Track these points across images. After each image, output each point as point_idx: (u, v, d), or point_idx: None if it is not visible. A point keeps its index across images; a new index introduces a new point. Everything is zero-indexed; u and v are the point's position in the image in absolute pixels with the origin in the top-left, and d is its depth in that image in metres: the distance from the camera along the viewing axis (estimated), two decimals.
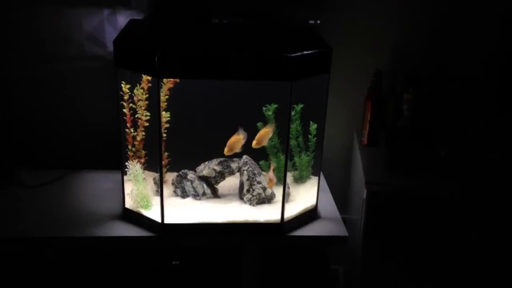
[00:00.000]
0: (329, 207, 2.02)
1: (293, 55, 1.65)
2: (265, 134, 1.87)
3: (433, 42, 2.15)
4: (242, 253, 1.95)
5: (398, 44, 2.17)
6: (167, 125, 1.92)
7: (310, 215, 1.94)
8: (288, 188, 1.96)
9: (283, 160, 2.00)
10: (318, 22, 2.14)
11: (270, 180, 1.90)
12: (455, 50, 2.15)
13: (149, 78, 1.84)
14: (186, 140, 1.99)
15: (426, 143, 1.91)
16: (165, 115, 1.88)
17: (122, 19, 2.16)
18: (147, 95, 1.87)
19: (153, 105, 1.86)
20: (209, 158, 2.01)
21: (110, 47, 2.17)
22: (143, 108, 1.89)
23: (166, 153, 1.93)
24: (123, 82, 1.83)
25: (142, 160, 1.95)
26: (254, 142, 1.86)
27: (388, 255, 1.88)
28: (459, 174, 1.85)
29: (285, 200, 1.82)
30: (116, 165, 2.21)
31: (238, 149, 1.87)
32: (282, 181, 1.98)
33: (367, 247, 1.88)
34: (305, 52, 1.68)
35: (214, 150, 2.02)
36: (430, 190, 1.81)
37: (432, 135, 1.94)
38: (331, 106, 1.92)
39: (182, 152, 2.00)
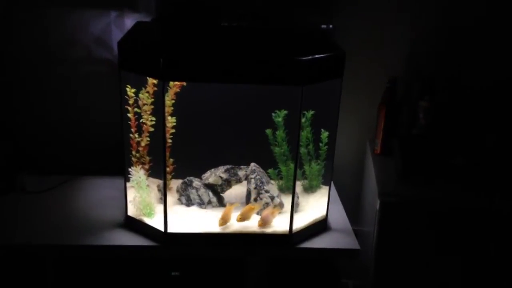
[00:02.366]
0: (339, 218, 1.94)
1: (304, 58, 1.58)
2: (250, 210, 1.76)
3: (448, 49, 2.08)
4: (247, 264, 1.87)
5: (413, 51, 2.09)
6: (173, 130, 1.85)
7: (320, 226, 1.86)
8: (297, 197, 1.88)
9: (293, 168, 1.93)
10: (330, 26, 2.07)
11: (222, 218, 1.76)
12: (471, 57, 2.07)
13: (155, 81, 1.77)
14: (192, 146, 1.93)
15: (442, 152, 1.83)
16: (170, 120, 1.82)
17: (130, 22, 2.10)
18: (152, 99, 1.81)
19: (158, 110, 1.79)
20: (215, 165, 1.94)
21: (117, 50, 2.11)
22: (148, 112, 1.82)
23: (171, 160, 1.86)
24: (128, 85, 1.77)
25: (146, 167, 1.88)
26: (238, 217, 1.75)
27: (401, 269, 1.79)
28: (477, 184, 1.76)
29: (294, 210, 1.75)
30: (120, 171, 2.17)
31: (249, 218, 1.77)
32: (291, 190, 1.93)
33: (380, 260, 1.79)
34: (316, 56, 1.61)
35: (220, 156, 1.96)
36: (446, 201, 1.73)
37: (449, 144, 1.85)
38: (342, 113, 1.84)
39: (187, 159, 1.94)
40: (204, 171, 1.95)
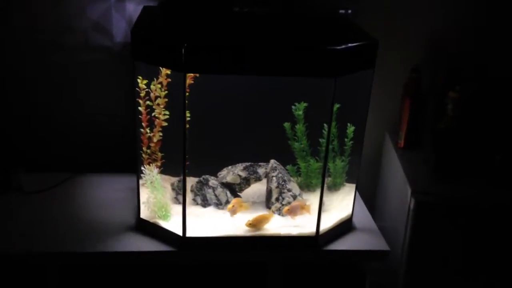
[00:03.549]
0: (363, 217, 1.84)
1: (338, 47, 1.45)
2: (263, 220, 1.64)
3: (475, 37, 1.97)
4: (268, 268, 1.76)
5: (436, 38, 1.98)
6: (187, 126, 1.70)
7: (345, 226, 1.75)
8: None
9: (313, 164, 1.82)
10: (349, 11, 1.94)
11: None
12: (497, 46, 1.98)
13: (168, 72, 1.62)
14: (202, 142, 1.78)
15: (478, 147, 1.73)
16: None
17: (132, 7, 1.94)
18: (166, 92, 1.66)
19: (173, 103, 1.65)
20: (228, 162, 1.81)
21: (118, 37, 1.96)
22: (161, 106, 1.67)
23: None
24: (140, 77, 1.62)
25: (158, 164, 1.73)
26: (248, 222, 1.63)
27: (434, 270, 1.70)
28: None
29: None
30: (124, 168, 2.02)
31: (261, 229, 1.64)
32: (310, 187, 1.81)
33: (413, 261, 1.69)
34: (350, 45, 1.48)
35: (233, 153, 1.82)
36: (485, 199, 1.63)
37: (484, 138, 1.75)
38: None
39: (197, 155, 1.79)
40: (215, 168, 1.83)
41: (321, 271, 1.85)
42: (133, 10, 1.95)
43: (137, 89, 1.64)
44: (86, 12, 1.92)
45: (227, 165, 1.83)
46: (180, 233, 1.60)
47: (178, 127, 1.57)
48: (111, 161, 2.04)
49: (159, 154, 1.74)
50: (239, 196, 1.78)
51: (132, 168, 2.00)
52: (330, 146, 1.78)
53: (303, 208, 1.67)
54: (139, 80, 1.62)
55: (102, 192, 1.90)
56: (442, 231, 1.65)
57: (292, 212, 1.66)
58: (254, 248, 1.64)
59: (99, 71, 1.99)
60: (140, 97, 1.65)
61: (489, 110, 1.80)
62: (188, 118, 1.69)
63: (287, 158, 1.84)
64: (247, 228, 1.63)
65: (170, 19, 1.75)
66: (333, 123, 1.75)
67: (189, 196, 1.77)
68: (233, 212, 1.66)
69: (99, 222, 1.73)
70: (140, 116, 1.68)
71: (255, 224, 1.63)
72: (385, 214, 1.92)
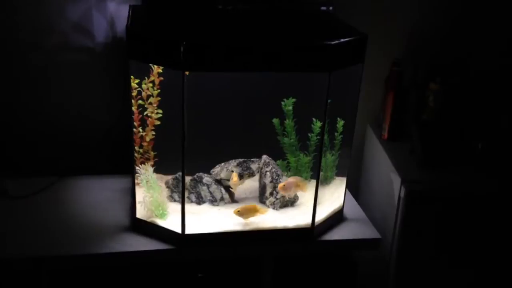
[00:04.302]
0: (352, 208, 1.89)
1: (332, 43, 1.49)
2: (251, 209, 1.65)
3: (453, 30, 2.05)
4: (263, 261, 1.78)
5: (415, 32, 2.05)
6: (158, 122, 1.70)
7: (337, 217, 1.80)
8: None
9: (303, 159, 1.85)
10: (331, 8, 1.98)
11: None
12: (477, 38, 2.06)
13: (160, 70, 1.63)
14: (195, 140, 1.78)
15: (460, 136, 1.80)
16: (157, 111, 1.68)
17: (113, 6, 1.93)
18: (158, 91, 1.66)
19: (164, 101, 1.65)
20: (220, 158, 1.82)
21: (99, 37, 1.94)
22: (154, 105, 1.67)
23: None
24: (132, 76, 1.62)
25: (151, 163, 1.73)
26: (236, 210, 1.64)
27: (426, 257, 1.76)
28: (500, 168, 1.75)
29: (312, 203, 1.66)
30: (111, 169, 2.01)
31: (247, 219, 1.65)
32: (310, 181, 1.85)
33: (404, 249, 1.75)
34: (342, 40, 1.53)
35: (224, 149, 1.84)
36: (473, 187, 1.71)
37: (466, 128, 1.83)
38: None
39: (191, 153, 1.79)
40: (206, 165, 1.83)
41: (312, 262, 1.89)
42: (115, 9, 1.93)
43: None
44: (66, 12, 1.89)
45: (216, 162, 1.84)
46: (179, 230, 1.61)
47: (169, 125, 1.58)
48: (97, 163, 2.03)
49: (152, 153, 1.74)
50: (232, 193, 1.80)
51: (119, 169, 2.01)
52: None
53: (297, 185, 1.70)
54: (131, 79, 1.61)
55: (91, 194, 1.88)
56: (432, 218, 1.72)
57: (287, 189, 1.69)
58: (253, 242, 1.66)
59: (80, 72, 1.96)
60: (132, 97, 1.64)
61: (469, 101, 1.87)
62: (160, 115, 1.69)
63: (274, 154, 1.86)
64: (243, 222, 1.65)
65: (160, 18, 1.75)
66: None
67: (163, 191, 1.75)
68: (244, 215, 1.65)
69: (91, 224, 1.72)
70: (132, 116, 1.67)
71: (243, 212, 1.64)
72: (371, 205, 1.98)
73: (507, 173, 1.75)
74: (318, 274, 1.89)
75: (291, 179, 1.71)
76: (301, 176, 1.87)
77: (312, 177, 1.90)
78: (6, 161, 1.95)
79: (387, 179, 1.82)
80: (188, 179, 1.79)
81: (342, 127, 1.77)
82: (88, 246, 1.61)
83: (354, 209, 1.88)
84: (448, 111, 1.84)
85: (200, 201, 1.76)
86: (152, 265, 1.77)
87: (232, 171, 1.75)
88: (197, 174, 1.78)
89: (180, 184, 1.76)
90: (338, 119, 1.77)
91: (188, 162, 1.76)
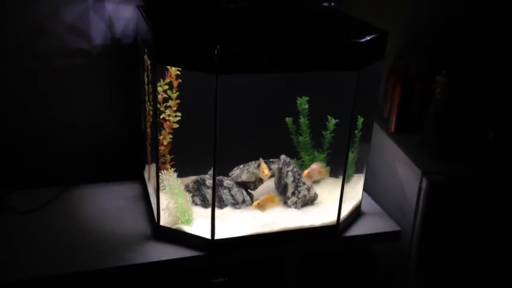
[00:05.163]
0: (367, 202, 1.90)
1: (360, 41, 1.50)
2: (269, 199, 1.67)
3: (450, 21, 2.10)
4: (287, 262, 1.78)
5: (414, 26, 2.08)
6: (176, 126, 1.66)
7: (356, 213, 1.81)
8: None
9: (318, 156, 1.86)
10: (333, 4, 1.98)
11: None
12: (472, 30, 2.12)
13: (178, 72, 1.57)
14: (201, 141, 1.74)
15: (470, 127, 1.85)
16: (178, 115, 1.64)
17: (111, 6, 1.86)
18: (177, 93, 1.61)
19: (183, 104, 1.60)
20: (231, 160, 1.79)
21: (97, 40, 1.86)
22: (174, 108, 1.62)
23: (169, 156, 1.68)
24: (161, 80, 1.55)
25: (168, 166, 1.68)
26: (256, 203, 1.66)
27: (447, 247, 1.81)
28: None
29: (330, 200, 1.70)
30: (117, 176, 1.94)
31: (266, 209, 1.67)
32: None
33: (426, 240, 1.78)
34: (368, 37, 1.53)
35: (235, 151, 1.80)
36: (491, 175, 1.76)
37: (476, 119, 1.87)
38: None
39: (197, 155, 1.74)
40: (205, 167, 1.78)
41: (331, 259, 1.90)
42: (113, 10, 1.86)
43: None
44: (61, 14, 1.80)
45: (225, 163, 1.79)
46: (208, 236, 1.57)
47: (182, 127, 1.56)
48: (101, 171, 1.95)
49: (168, 157, 1.69)
50: (251, 195, 1.77)
51: (124, 175, 1.95)
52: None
53: (320, 172, 1.74)
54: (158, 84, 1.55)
55: (102, 203, 1.80)
56: (453, 209, 1.76)
57: (312, 175, 1.73)
58: (281, 242, 1.64)
59: (77, 76, 1.88)
60: (159, 101, 1.58)
61: (475, 91, 1.92)
62: (179, 118, 1.64)
63: (285, 153, 1.84)
64: (269, 223, 1.64)
65: (176, 19, 1.69)
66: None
67: (187, 196, 1.71)
68: (263, 207, 1.65)
69: (109, 235, 1.65)
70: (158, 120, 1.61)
71: (263, 204, 1.65)
72: (381, 198, 1.98)
73: None
74: (338, 270, 1.90)
75: (314, 166, 1.75)
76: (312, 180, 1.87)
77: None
78: (6, 175, 1.84)
79: (402, 171, 1.85)
80: (189, 181, 1.75)
81: (361, 124, 1.78)
82: (112, 259, 1.55)
83: (369, 203, 1.90)
84: (455, 103, 1.88)
85: (206, 204, 1.72)
86: (170, 274, 1.72)
87: (258, 166, 1.75)
88: (200, 176, 1.75)
89: (202, 188, 1.73)
90: (358, 116, 1.77)
91: (194, 163, 1.75)
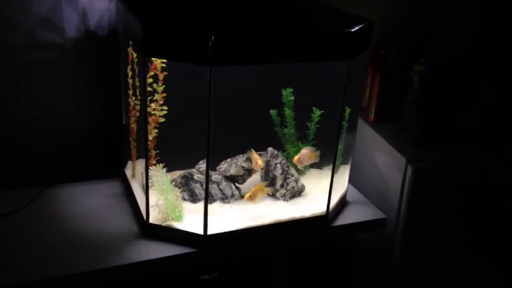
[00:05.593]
0: (351, 192, 1.92)
1: (351, 30, 1.49)
2: (261, 191, 1.68)
3: (423, 11, 2.13)
4: (276, 254, 1.77)
5: (389, 15, 2.10)
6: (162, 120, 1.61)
7: (342, 203, 1.82)
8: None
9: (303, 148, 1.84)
10: None
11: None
12: (445, 17, 2.16)
13: (164, 65, 1.53)
14: (181, 135, 1.70)
15: (448, 113, 1.89)
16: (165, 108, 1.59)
17: None
18: (163, 86, 1.57)
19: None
20: (213, 154, 1.73)
21: (70, 32, 1.79)
22: (160, 102, 1.58)
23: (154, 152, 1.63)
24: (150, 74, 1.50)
25: (154, 162, 1.63)
26: (248, 195, 1.66)
27: (431, 234, 1.84)
28: (493, 141, 1.86)
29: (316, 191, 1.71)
30: (98, 174, 1.88)
31: (257, 199, 1.67)
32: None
33: (411, 227, 1.81)
34: (357, 27, 1.53)
35: (218, 144, 1.76)
36: (476, 161, 1.80)
37: (454, 105, 1.92)
38: None
39: (181, 149, 1.71)
40: (190, 161, 1.76)
41: (316, 249, 1.90)
42: (86, 2, 1.79)
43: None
44: (32, 6, 1.72)
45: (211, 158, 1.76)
46: (200, 232, 1.54)
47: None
48: (78, 169, 1.89)
49: (154, 152, 1.64)
50: (239, 188, 1.75)
51: (107, 173, 1.89)
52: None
53: (309, 156, 1.73)
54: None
55: (83, 202, 1.74)
56: (438, 195, 1.79)
57: (302, 160, 1.73)
58: (272, 234, 1.63)
59: (50, 71, 1.80)
60: (147, 96, 1.52)
61: (452, 78, 1.96)
62: (165, 112, 1.60)
63: (268, 145, 1.83)
64: (259, 216, 1.63)
65: (160, 9, 1.63)
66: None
67: (177, 192, 1.67)
68: (254, 199, 1.65)
69: (96, 235, 1.59)
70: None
71: (254, 196, 1.65)
72: (364, 186, 1.99)
73: (499, 144, 1.86)
74: (323, 259, 1.91)
75: (304, 151, 1.74)
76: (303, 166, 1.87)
77: (311, 166, 1.91)
78: None
79: (384, 160, 1.87)
80: (177, 176, 1.71)
81: (348, 115, 1.78)
82: (102, 260, 1.49)
83: (351, 193, 1.91)
84: (434, 90, 1.92)
85: (195, 199, 1.69)
86: (159, 272, 1.68)
87: (247, 159, 1.73)
88: (187, 171, 1.71)
89: (190, 182, 1.70)
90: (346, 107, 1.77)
91: (179, 158, 1.71)
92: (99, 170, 1.90)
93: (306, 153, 1.73)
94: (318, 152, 1.75)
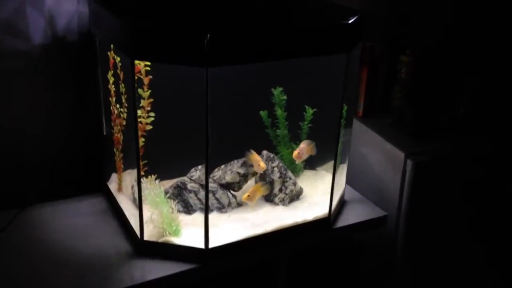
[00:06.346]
0: (347, 190, 1.84)
1: (350, 22, 1.42)
2: (258, 191, 1.61)
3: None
4: (278, 260, 1.68)
5: (371, 7, 2.05)
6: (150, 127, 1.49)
7: (341, 203, 1.75)
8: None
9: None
10: None
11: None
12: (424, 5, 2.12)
13: (148, 68, 1.41)
14: (168, 142, 1.59)
15: (440, 103, 1.85)
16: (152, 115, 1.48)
17: (51, 1, 1.64)
18: (149, 91, 1.45)
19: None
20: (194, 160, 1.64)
21: (36, 38, 1.64)
22: (147, 108, 1.46)
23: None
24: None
25: (142, 173, 1.50)
26: (245, 195, 1.58)
27: (434, 228, 1.79)
28: (487, 130, 1.83)
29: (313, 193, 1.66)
30: (76, 190, 1.74)
31: (255, 200, 1.60)
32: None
33: (413, 221, 1.75)
34: (353, 19, 1.46)
35: (196, 150, 1.65)
36: (474, 149, 1.76)
37: (444, 96, 1.88)
38: None
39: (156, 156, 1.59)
40: (180, 169, 1.65)
41: (318, 252, 1.83)
42: (53, 4, 1.65)
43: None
44: None
45: (196, 164, 1.65)
46: (201, 246, 1.43)
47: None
48: (54, 187, 1.74)
49: (141, 162, 1.51)
50: (235, 196, 1.65)
51: (86, 189, 1.74)
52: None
53: (308, 150, 1.67)
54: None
55: (67, 222, 1.60)
56: (439, 188, 1.74)
57: (302, 155, 1.66)
58: (276, 241, 1.54)
59: (14, 81, 1.64)
60: (137, 105, 1.40)
61: (439, 68, 1.92)
62: (153, 119, 1.48)
63: (261, 148, 1.74)
64: (260, 223, 1.54)
65: (144, 8, 1.50)
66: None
67: (172, 204, 1.55)
68: (252, 199, 1.58)
69: (86, 257, 1.46)
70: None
71: (252, 196, 1.58)
72: (359, 184, 1.92)
73: (493, 133, 1.83)
74: (325, 261, 1.84)
75: (302, 145, 1.67)
76: (295, 169, 1.78)
77: (305, 168, 1.83)
78: None
79: (380, 155, 1.81)
80: (168, 187, 1.60)
81: (345, 112, 1.70)
82: (96, 284, 1.36)
83: (348, 191, 1.84)
84: (423, 81, 1.87)
85: (190, 210, 1.58)
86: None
87: (243, 164, 1.65)
88: (180, 180, 1.60)
89: (183, 193, 1.58)
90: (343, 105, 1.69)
91: (167, 167, 1.59)
92: (77, 186, 1.75)
93: (304, 147, 1.66)
94: (314, 144, 1.68)
